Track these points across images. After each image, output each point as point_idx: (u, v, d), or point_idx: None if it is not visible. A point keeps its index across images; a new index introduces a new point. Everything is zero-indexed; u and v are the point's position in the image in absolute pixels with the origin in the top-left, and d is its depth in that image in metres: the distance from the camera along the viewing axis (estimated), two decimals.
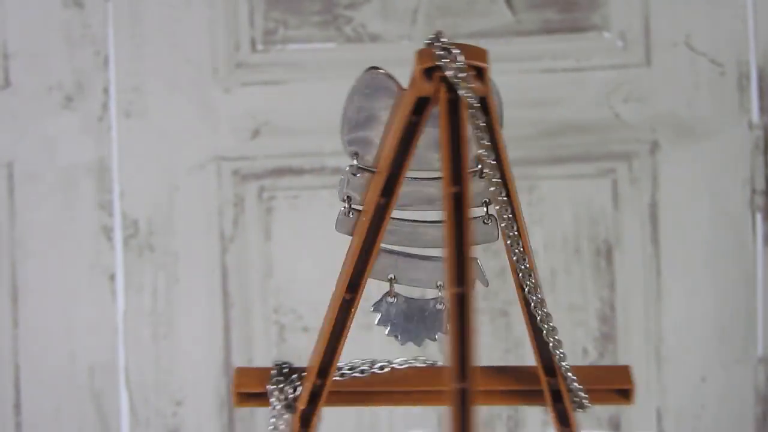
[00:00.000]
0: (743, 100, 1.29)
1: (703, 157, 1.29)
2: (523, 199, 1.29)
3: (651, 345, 1.29)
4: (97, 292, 1.30)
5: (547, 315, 0.67)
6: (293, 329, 1.30)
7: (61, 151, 1.30)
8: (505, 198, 0.62)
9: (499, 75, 1.36)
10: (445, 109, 0.57)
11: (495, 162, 0.60)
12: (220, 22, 1.30)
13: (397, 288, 0.70)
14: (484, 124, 0.58)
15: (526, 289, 0.66)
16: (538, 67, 1.29)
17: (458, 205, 0.56)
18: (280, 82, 1.30)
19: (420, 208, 0.66)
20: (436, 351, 1.33)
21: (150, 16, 1.30)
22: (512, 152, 1.40)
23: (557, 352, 0.68)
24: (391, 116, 0.63)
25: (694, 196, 1.29)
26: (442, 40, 0.58)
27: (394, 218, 0.67)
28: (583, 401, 0.72)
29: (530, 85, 1.29)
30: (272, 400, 0.73)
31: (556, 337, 0.68)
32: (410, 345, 0.71)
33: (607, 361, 1.29)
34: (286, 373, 0.74)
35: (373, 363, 0.75)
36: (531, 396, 0.74)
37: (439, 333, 0.70)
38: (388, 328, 0.70)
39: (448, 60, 0.57)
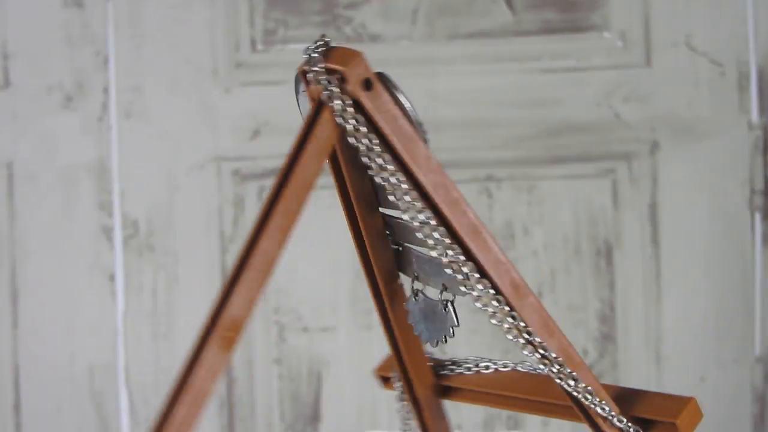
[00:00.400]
0: (743, 101, 1.29)
1: (703, 158, 1.29)
2: (522, 199, 1.30)
3: (650, 345, 1.29)
4: (97, 292, 1.30)
5: (577, 381, 0.65)
6: (293, 329, 1.30)
7: (61, 151, 1.30)
8: (422, 209, 0.60)
9: (499, 75, 1.36)
10: (312, 109, 0.58)
11: (388, 166, 0.59)
12: (220, 22, 1.30)
13: (423, 288, 0.70)
14: (364, 128, 0.58)
15: (562, 383, 0.64)
16: (538, 67, 1.29)
17: (274, 206, 0.56)
18: (280, 82, 1.30)
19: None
20: (435, 351, 1.33)
21: (150, 16, 1.30)
22: (512, 152, 1.40)
23: (597, 407, 0.67)
24: None
25: (694, 196, 1.29)
26: (317, 42, 0.58)
27: (394, 218, 0.67)
28: (631, 430, 0.70)
29: (530, 85, 1.29)
30: (395, 385, 0.74)
31: (589, 393, 0.66)
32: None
33: (605, 361, 1.29)
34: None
35: (478, 362, 0.75)
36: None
37: (445, 335, 0.70)
38: (415, 326, 0.70)
39: (309, 63, 0.58)
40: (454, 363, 0.75)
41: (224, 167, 1.30)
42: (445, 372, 0.75)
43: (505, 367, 0.75)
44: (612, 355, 1.29)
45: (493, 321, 0.63)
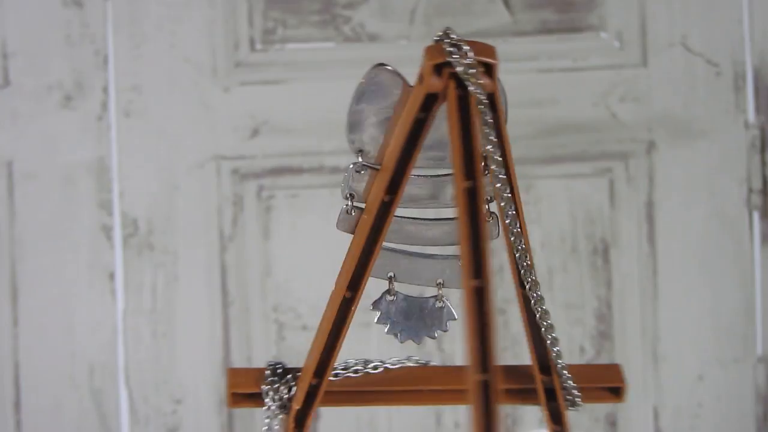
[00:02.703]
0: (739, 100, 1.29)
1: (700, 157, 1.30)
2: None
3: (647, 343, 1.30)
4: (97, 290, 1.30)
5: (546, 312, 0.67)
6: (292, 328, 1.31)
7: (61, 151, 1.30)
8: (509, 195, 0.62)
9: (497, 74, 1.36)
10: (456, 105, 0.58)
11: (501, 159, 0.61)
12: (220, 22, 1.31)
13: (396, 286, 0.70)
14: (492, 121, 0.59)
15: (527, 286, 0.66)
16: (535, 66, 1.29)
17: (472, 199, 0.56)
18: (279, 81, 1.31)
19: (420, 205, 0.67)
20: (434, 348, 1.34)
21: (149, 15, 1.31)
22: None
23: (554, 349, 0.69)
24: (397, 113, 0.63)
25: (691, 195, 1.30)
26: (451, 36, 0.58)
27: (395, 216, 0.67)
28: (576, 399, 0.72)
29: (527, 84, 1.29)
30: (267, 400, 0.72)
31: (553, 335, 0.68)
32: (409, 343, 0.71)
33: (603, 359, 1.30)
34: (280, 373, 0.73)
35: (366, 363, 0.74)
36: (524, 395, 0.74)
37: (438, 330, 0.70)
38: (388, 326, 0.70)
39: (458, 56, 0.57)
40: (345, 368, 0.74)
41: (223, 166, 1.31)
42: (330, 377, 0.73)
43: (394, 365, 0.74)
44: (609, 353, 1.30)
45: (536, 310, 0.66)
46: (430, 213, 0.68)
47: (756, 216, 1.30)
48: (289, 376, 0.72)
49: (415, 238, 0.67)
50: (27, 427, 1.31)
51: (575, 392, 0.72)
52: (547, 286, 1.30)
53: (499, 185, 0.61)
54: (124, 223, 1.30)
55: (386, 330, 0.70)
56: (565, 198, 1.30)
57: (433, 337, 0.70)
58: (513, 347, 1.30)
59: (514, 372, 0.74)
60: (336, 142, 1.31)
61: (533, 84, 1.29)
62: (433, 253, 0.67)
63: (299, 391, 0.71)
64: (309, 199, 1.31)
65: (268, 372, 0.73)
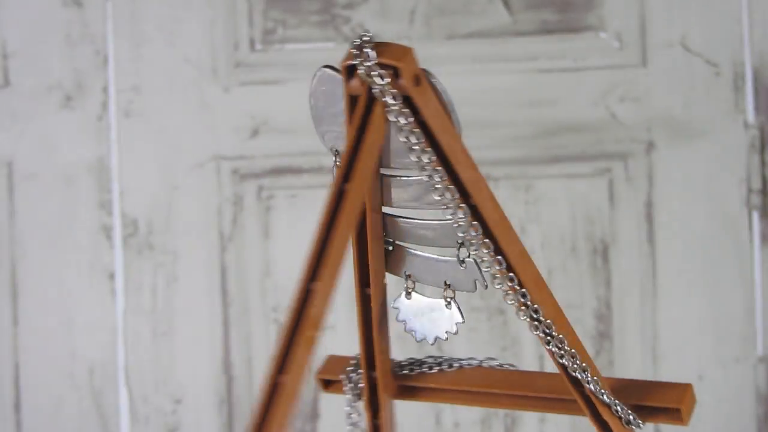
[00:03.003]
0: (738, 100, 1.29)
1: (699, 157, 1.30)
2: (519, 198, 1.30)
3: (647, 343, 1.30)
4: (97, 291, 1.30)
5: (573, 356, 0.67)
6: None
7: (61, 151, 1.30)
8: (462, 205, 0.61)
9: (496, 75, 1.37)
10: (360, 107, 0.58)
11: (433, 162, 0.60)
12: (219, 22, 1.31)
13: (414, 286, 0.71)
14: (407, 124, 0.59)
15: (558, 356, 0.66)
16: (534, 67, 1.30)
17: (341, 201, 0.57)
18: (279, 81, 1.31)
19: (407, 206, 0.67)
20: (434, 349, 1.34)
21: (149, 15, 1.31)
22: (509, 152, 1.41)
23: (589, 385, 0.68)
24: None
25: (690, 195, 1.30)
26: (363, 38, 0.58)
27: (405, 218, 0.68)
28: (630, 417, 0.71)
29: (527, 85, 1.29)
30: (345, 388, 0.74)
31: (584, 367, 0.67)
32: (426, 341, 0.72)
33: (603, 359, 1.30)
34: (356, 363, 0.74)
35: (441, 361, 0.75)
36: (570, 405, 0.73)
37: (447, 331, 0.70)
38: (406, 324, 0.71)
39: (360, 59, 0.58)
40: (413, 363, 0.75)
41: (223, 166, 1.31)
42: (404, 372, 0.75)
43: (470, 364, 0.75)
44: (608, 353, 1.30)
45: (521, 315, 0.64)
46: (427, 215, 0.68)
47: (756, 216, 1.30)
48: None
49: (418, 239, 0.68)
50: (27, 427, 1.31)
51: (630, 412, 0.70)
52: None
53: (441, 196, 0.61)
54: (124, 223, 1.30)
55: (405, 328, 0.70)
56: (564, 198, 1.30)
57: (444, 339, 0.70)
58: (513, 347, 1.30)
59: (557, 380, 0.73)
60: None
61: (532, 84, 1.29)
62: (439, 256, 0.68)
63: (363, 383, 0.72)
64: (309, 199, 1.31)
65: (352, 361, 0.74)
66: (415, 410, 1.29)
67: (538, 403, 0.73)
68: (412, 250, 0.69)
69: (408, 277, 0.69)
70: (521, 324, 1.31)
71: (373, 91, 0.58)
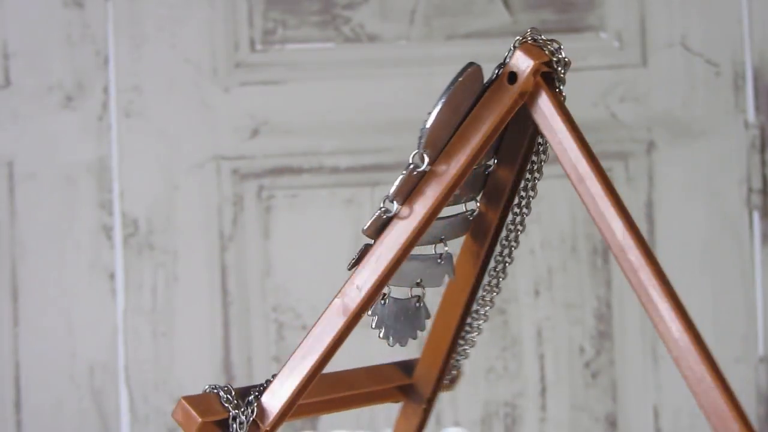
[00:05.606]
0: (739, 100, 1.29)
1: (700, 157, 1.30)
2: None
3: (647, 343, 1.30)
4: (97, 290, 1.30)
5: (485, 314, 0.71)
6: (292, 327, 1.31)
7: (61, 151, 1.31)
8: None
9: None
10: (556, 103, 0.58)
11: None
12: (220, 22, 1.31)
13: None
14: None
15: (501, 279, 0.68)
16: None
17: (605, 179, 0.58)
18: (278, 81, 1.31)
19: None
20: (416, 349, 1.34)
21: (150, 16, 1.31)
22: None
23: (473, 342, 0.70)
24: (458, 112, 0.61)
25: (691, 195, 1.30)
26: (542, 36, 0.58)
27: None
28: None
29: None
30: (234, 425, 0.66)
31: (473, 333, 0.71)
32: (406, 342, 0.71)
33: (603, 359, 1.30)
34: (234, 395, 0.67)
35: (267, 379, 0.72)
36: (383, 395, 0.75)
37: (418, 330, 0.70)
38: (382, 331, 0.70)
39: (557, 57, 0.58)
40: (255, 387, 0.69)
41: (223, 166, 1.31)
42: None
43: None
44: (609, 352, 1.30)
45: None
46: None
47: (756, 216, 1.30)
48: (251, 397, 0.67)
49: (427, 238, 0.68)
50: (27, 426, 1.31)
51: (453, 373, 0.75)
52: (547, 285, 1.30)
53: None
54: (125, 223, 1.30)
55: (380, 335, 0.69)
56: (564, 198, 1.30)
57: (415, 338, 0.70)
58: (513, 347, 1.30)
59: (374, 373, 0.75)
60: (336, 142, 1.31)
61: None
62: (415, 254, 0.67)
63: (271, 411, 0.66)
64: (309, 199, 1.31)
65: (223, 395, 0.67)
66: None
67: (361, 398, 0.74)
68: None
69: None
70: (521, 324, 1.31)
71: (561, 89, 0.58)
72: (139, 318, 1.30)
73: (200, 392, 0.68)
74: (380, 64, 1.31)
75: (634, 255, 0.57)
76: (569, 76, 1.39)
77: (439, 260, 0.68)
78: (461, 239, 0.71)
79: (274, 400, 0.66)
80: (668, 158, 1.30)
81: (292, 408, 0.66)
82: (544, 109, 0.58)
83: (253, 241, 1.31)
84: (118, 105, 1.30)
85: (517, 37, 0.59)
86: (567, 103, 1.32)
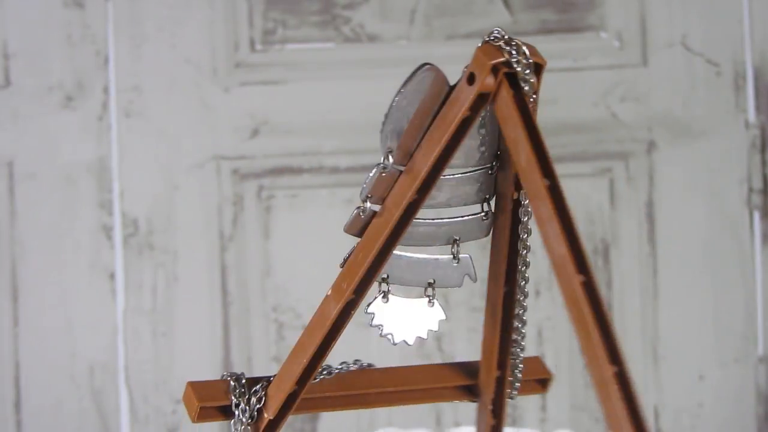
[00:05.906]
0: (739, 100, 1.29)
1: (700, 157, 1.30)
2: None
3: (648, 343, 1.30)
4: (97, 290, 1.30)
5: (524, 309, 0.69)
6: (292, 327, 1.31)
7: (61, 151, 1.31)
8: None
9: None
10: (514, 105, 0.58)
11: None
12: (220, 22, 1.31)
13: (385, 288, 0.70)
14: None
15: (523, 283, 0.67)
16: None
17: (556, 195, 0.57)
18: (278, 81, 1.31)
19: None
20: (434, 349, 1.34)
21: (150, 16, 1.31)
22: None
23: (520, 346, 0.70)
24: (427, 112, 0.62)
25: (691, 195, 1.30)
26: (505, 36, 0.58)
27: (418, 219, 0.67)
28: (514, 393, 0.73)
29: None
30: (237, 411, 0.70)
31: (523, 331, 0.69)
32: (405, 342, 0.71)
33: None
34: (244, 383, 0.71)
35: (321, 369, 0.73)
36: (458, 392, 0.75)
37: (429, 330, 0.70)
38: (382, 329, 0.70)
39: (517, 57, 0.58)
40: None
41: (223, 166, 1.31)
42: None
43: (342, 370, 0.73)
44: None
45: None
46: (430, 213, 0.68)
47: (756, 216, 1.30)
48: (258, 386, 0.70)
49: (408, 238, 0.67)
50: (27, 427, 1.31)
51: (517, 385, 0.73)
52: (547, 285, 1.30)
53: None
54: (125, 223, 1.31)
55: (381, 333, 0.70)
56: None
57: (424, 337, 0.70)
58: None
59: (446, 370, 0.75)
60: (336, 142, 1.31)
61: None
62: (423, 256, 0.68)
63: (274, 401, 0.69)
64: (309, 199, 1.31)
65: (233, 383, 0.71)
66: (416, 409, 1.29)
67: (416, 395, 0.74)
68: (395, 252, 0.68)
69: (384, 280, 0.69)
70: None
71: (525, 89, 0.57)
72: (139, 318, 1.30)
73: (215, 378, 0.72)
74: (380, 64, 1.31)
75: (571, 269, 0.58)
76: (569, 77, 1.39)
77: (454, 261, 0.68)
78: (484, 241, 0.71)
79: (278, 391, 0.68)
80: (669, 158, 1.30)
81: (296, 399, 0.68)
82: (504, 109, 0.58)
83: (253, 241, 1.31)
84: (118, 105, 1.30)
85: (483, 38, 0.60)
86: (567, 104, 1.31)
